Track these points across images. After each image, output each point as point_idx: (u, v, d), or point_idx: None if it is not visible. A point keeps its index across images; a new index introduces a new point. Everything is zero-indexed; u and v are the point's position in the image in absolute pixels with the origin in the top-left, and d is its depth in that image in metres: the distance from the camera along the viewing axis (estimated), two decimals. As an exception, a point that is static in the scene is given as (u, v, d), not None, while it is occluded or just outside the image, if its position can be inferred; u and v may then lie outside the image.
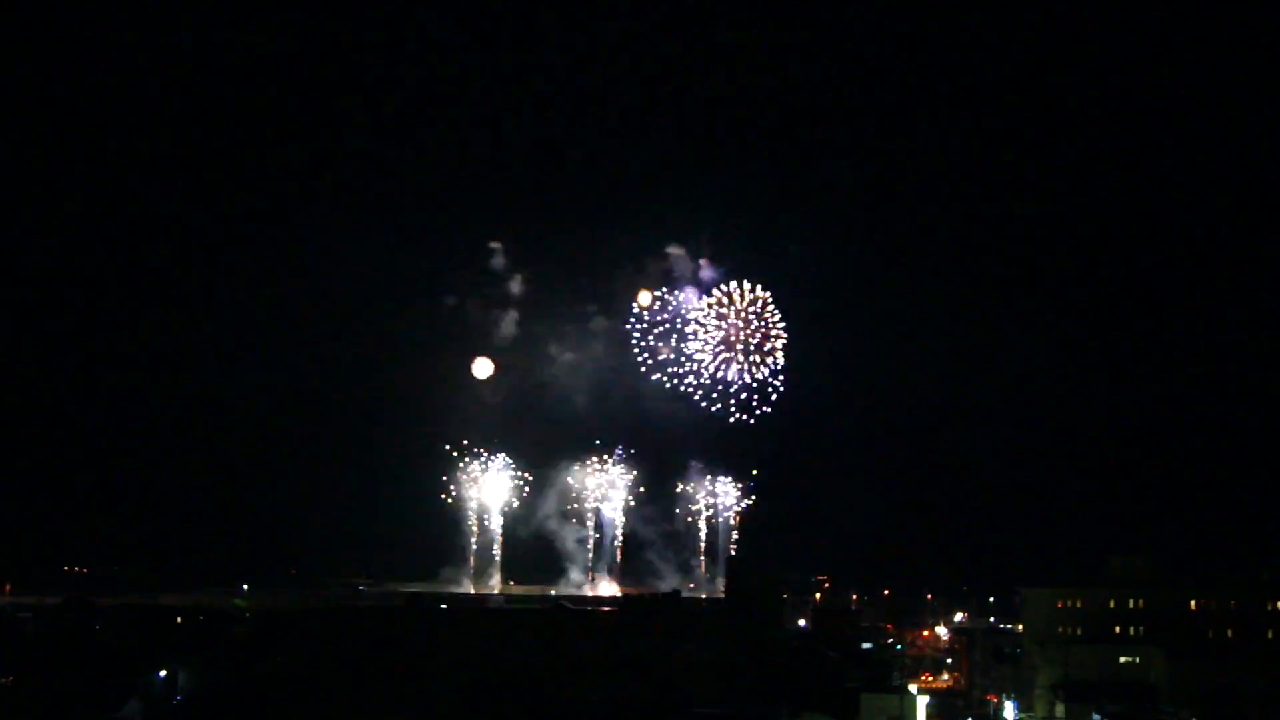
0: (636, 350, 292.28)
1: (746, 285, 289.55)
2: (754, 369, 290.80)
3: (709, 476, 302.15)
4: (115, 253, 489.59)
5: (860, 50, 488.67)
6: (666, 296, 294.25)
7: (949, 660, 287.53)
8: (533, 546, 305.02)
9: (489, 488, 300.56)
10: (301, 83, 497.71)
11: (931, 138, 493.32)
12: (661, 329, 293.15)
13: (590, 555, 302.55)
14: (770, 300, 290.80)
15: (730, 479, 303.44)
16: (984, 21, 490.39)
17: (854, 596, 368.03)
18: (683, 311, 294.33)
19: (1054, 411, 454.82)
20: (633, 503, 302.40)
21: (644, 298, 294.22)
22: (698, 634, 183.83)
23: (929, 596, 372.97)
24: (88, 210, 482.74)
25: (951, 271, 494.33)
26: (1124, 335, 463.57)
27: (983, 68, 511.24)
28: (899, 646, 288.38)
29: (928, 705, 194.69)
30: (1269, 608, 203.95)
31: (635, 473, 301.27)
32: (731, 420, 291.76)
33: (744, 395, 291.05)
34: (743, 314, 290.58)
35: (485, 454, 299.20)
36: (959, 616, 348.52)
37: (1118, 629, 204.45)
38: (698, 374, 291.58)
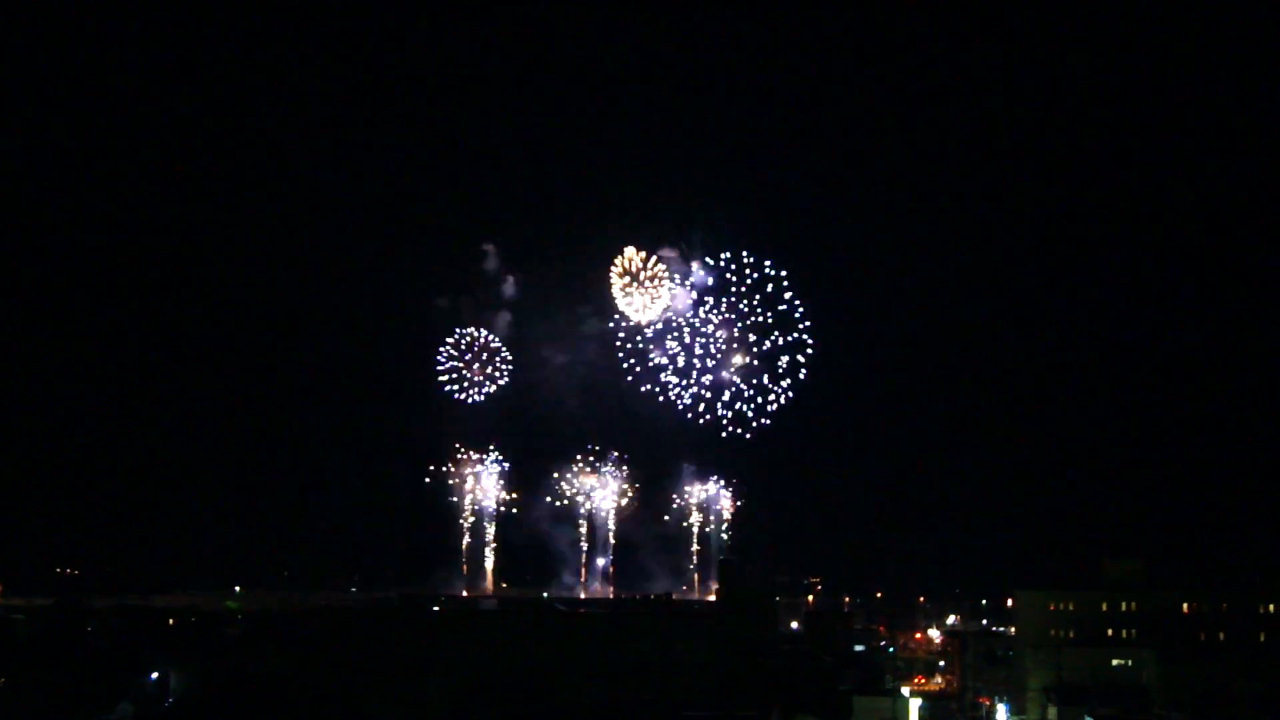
0: (624, 357, 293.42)
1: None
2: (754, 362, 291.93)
3: (701, 480, 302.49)
4: (110, 253, 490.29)
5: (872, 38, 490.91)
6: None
7: (941, 663, 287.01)
8: (525, 549, 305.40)
9: (482, 490, 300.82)
10: (297, 84, 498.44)
11: (928, 137, 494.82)
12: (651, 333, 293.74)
13: (583, 558, 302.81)
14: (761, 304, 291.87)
15: (723, 481, 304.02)
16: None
17: (846, 599, 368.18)
18: (676, 317, 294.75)
19: (1047, 414, 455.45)
20: (625, 505, 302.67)
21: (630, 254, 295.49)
22: (690, 637, 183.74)
23: (921, 599, 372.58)
24: (82, 212, 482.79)
25: (944, 275, 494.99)
26: (1117, 338, 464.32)
27: (989, 63, 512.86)
28: (891, 649, 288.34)
29: (920, 708, 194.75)
30: (1261, 610, 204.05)
31: (628, 475, 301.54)
32: (724, 434, 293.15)
33: (739, 402, 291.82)
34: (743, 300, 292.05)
35: (478, 456, 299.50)
36: (951, 619, 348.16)
37: (1110, 632, 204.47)
38: (689, 381, 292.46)
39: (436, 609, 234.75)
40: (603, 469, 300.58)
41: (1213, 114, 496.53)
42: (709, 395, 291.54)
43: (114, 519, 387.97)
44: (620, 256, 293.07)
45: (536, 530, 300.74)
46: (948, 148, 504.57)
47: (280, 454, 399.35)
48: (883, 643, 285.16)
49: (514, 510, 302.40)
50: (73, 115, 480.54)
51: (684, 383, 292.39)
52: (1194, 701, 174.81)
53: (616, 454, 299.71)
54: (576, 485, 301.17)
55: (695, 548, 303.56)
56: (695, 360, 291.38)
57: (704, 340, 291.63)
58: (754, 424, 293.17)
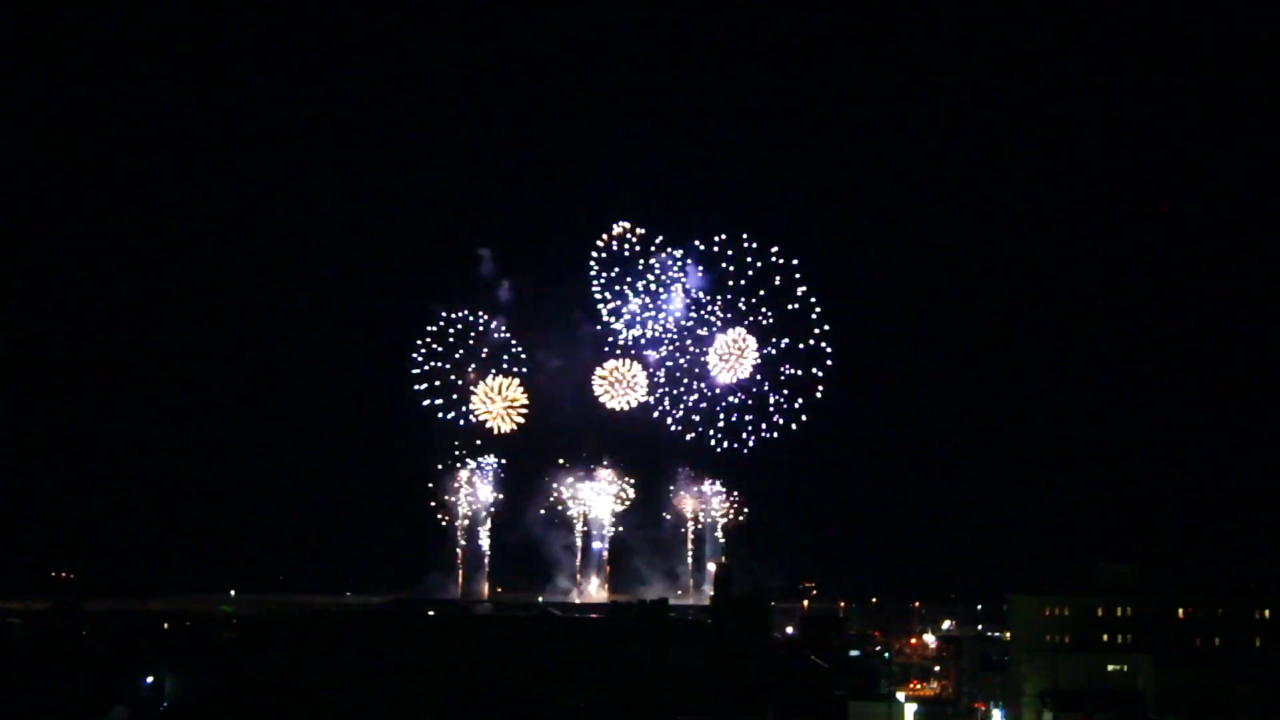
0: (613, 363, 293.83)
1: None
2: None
3: (696, 485, 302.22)
4: (107, 256, 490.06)
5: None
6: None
7: (937, 668, 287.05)
8: (520, 553, 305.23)
9: (478, 494, 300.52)
10: (290, 86, 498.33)
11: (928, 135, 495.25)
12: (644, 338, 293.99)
13: (578, 562, 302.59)
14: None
15: (719, 484, 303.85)
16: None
17: (841, 604, 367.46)
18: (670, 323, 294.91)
19: (1042, 419, 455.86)
20: (620, 510, 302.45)
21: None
22: (685, 642, 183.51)
23: (916, 604, 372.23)
24: (75, 214, 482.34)
25: (938, 279, 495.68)
26: (1112, 343, 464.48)
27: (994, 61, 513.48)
28: (886, 654, 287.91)
29: (915, 713, 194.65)
30: (1256, 615, 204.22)
31: (623, 480, 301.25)
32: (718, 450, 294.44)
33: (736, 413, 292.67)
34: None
35: (473, 461, 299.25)
36: (947, 624, 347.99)
37: (1105, 637, 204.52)
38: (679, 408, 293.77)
39: (431, 613, 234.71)
40: (598, 473, 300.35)
41: (1216, 118, 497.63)
42: (700, 414, 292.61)
43: (109, 523, 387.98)
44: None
45: (531, 535, 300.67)
46: (940, 149, 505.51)
47: (275, 459, 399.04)
48: (878, 648, 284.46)
49: (508, 514, 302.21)
50: (58, 116, 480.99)
51: (674, 411, 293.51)
52: (1189, 707, 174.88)
53: (612, 458, 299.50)
54: (572, 490, 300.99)
55: (690, 552, 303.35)
56: (684, 380, 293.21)
57: (698, 353, 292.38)
58: (750, 440, 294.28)
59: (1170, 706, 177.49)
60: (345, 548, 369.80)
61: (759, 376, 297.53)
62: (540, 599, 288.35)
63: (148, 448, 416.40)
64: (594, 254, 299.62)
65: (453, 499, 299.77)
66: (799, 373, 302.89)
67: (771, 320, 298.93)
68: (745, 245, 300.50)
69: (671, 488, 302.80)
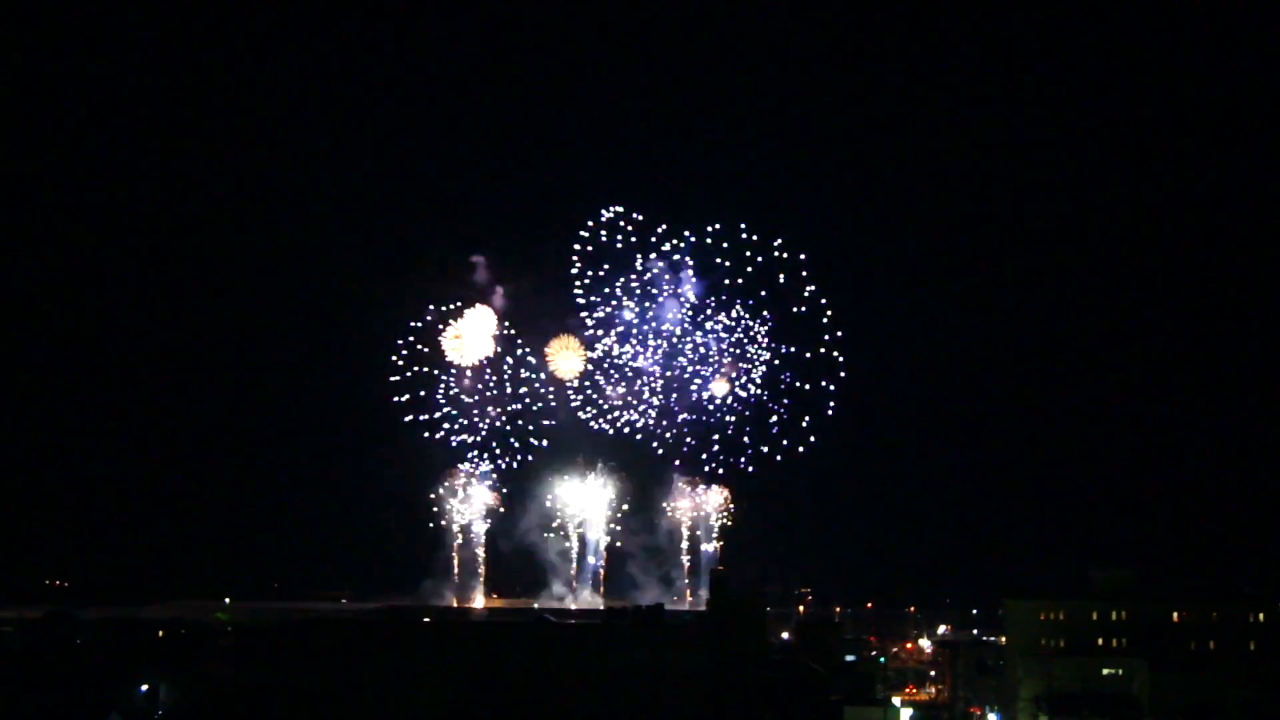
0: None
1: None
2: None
3: (691, 489, 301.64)
4: (103, 258, 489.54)
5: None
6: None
7: (932, 673, 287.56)
8: (515, 559, 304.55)
9: (471, 500, 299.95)
10: (282, 90, 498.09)
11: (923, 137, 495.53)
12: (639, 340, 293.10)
13: (573, 568, 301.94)
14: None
15: (714, 489, 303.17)
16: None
17: (837, 609, 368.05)
18: (663, 326, 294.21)
19: (1036, 424, 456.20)
20: (615, 515, 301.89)
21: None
22: (681, 647, 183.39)
23: (912, 609, 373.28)
24: (67, 218, 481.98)
25: (934, 284, 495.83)
26: (1105, 348, 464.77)
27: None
28: (882, 659, 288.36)
29: (911, 718, 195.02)
30: (1250, 619, 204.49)
31: (618, 485, 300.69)
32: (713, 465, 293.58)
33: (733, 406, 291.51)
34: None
35: (467, 466, 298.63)
36: (942, 629, 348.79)
37: (1100, 641, 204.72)
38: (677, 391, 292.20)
39: (426, 620, 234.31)
40: (593, 478, 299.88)
41: (1216, 118, 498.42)
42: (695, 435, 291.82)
43: (104, 531, 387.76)
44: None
45: (526, 541, 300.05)
46: (946, 142, 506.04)
47: (270, 466, 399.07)
48: (874, 653, 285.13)
49: (503, 520, 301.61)
50: (42, 114, 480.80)
51: (665, 424, 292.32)
52: (1184, 711, 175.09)
53: (607, 463, 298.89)
54: (567, 495, 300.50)
55: (685, 558, 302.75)
56: (676, 388, 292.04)
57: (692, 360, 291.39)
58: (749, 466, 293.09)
59: (1165, 710, 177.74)
60: (340, 555, 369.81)
61: (761, 392, 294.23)
62: (535, 605, 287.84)
63: (142, 455, 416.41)
64: (577, 247, 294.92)
65: (447, 505, 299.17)
66: (807, 386, 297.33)
67: (773, 325, 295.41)
68: (745, 239, 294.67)
69: (667, 499, 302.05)
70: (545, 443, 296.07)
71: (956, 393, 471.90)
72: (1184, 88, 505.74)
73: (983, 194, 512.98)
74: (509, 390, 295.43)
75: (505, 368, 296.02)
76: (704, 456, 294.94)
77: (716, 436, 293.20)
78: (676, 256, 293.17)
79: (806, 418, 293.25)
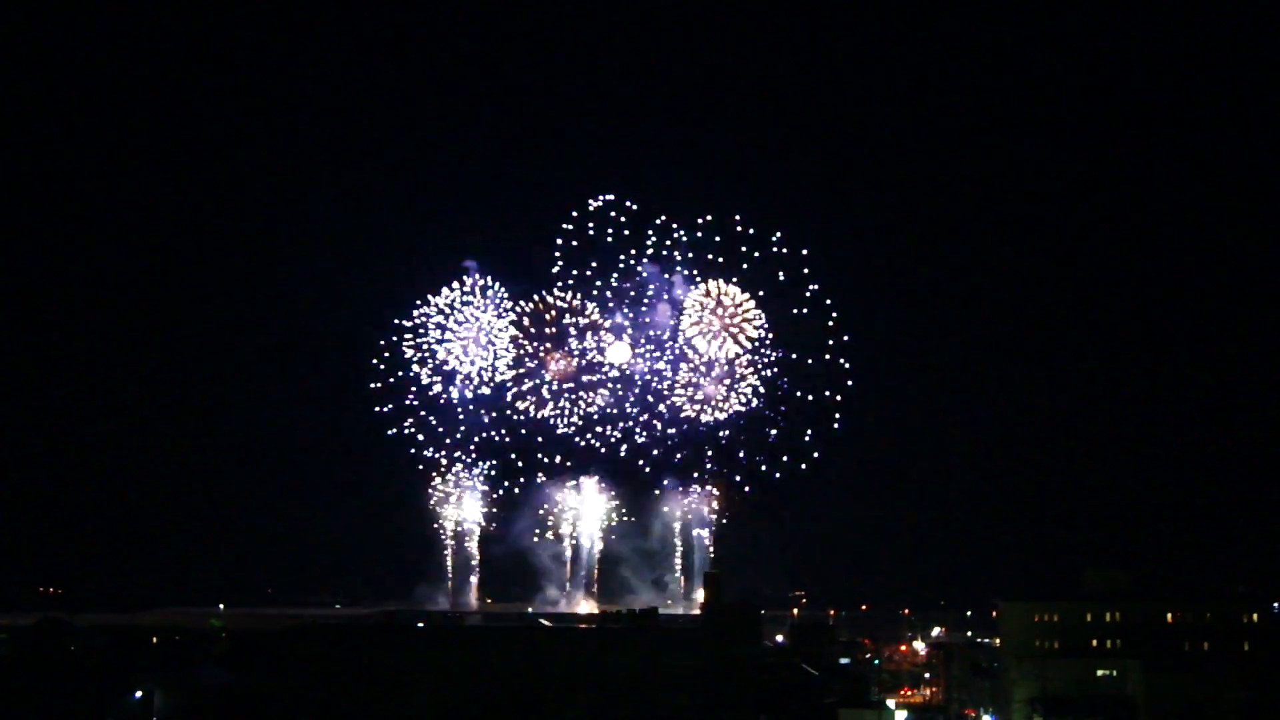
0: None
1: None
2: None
3: (685, 493, 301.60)
4: (98, 262, 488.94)
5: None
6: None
7: (927, 675, 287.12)
8: (509, 564, 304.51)
9: (465, 505, 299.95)
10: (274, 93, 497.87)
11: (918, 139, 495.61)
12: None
13: (567, 572, 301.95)
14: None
15: (707, 493, 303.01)
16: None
17: (831, 612, 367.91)
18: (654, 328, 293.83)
19: (1030, 427, 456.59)
20: (609, 519, 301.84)
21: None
22: (675, 651, 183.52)
23: (906, 611, 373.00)
24: (60, 223, 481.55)
25: (930, 287, 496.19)
26: (1101, 351, 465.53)
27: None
28: (876, 661, 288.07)
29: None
30: (1245, 620, 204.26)
31: (612, 489, 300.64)
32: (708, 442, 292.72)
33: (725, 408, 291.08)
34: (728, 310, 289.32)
35: (462, 472, 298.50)
36: (936, 631, 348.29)
37: (1095, 642, 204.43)
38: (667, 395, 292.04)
39: (421, 625, 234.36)
40: (586, 482, 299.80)
41: (1216, 118, 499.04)
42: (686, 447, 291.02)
43: (98, 538, 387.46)
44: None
45: (520, 545, 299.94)
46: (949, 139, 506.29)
47: (264, 472, 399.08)
48: (868, 655, 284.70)
49: (496, 525, 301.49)
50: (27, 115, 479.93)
51: (656, 430, 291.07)
52: (1179, 712, 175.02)
53: (600, 467, 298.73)
54: (560, 499, 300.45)
55: (679, 561, 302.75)
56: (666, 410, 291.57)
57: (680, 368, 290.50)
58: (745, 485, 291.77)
59: (1160, 711, 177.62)
60: (334, 560, 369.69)
61: (759, 403, 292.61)
62: (530, 609, 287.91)
63: (136, 462, 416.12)
64: (560, 241, 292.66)
65: (441, 510, 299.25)
66: (810, 397, 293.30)
67: (769, 331, 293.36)
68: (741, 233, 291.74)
69: (660, 503, 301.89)
70: (539, 441, 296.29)
71: (950, 395, 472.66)
72: (1187, 88, 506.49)
73: (976, 194, 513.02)
74: (504, 394, 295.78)
75: (501, 368, 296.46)
76: (695, 473, 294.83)
77: (710, 452, 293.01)
78: (665, 253, 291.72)
79: (809, 432, 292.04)
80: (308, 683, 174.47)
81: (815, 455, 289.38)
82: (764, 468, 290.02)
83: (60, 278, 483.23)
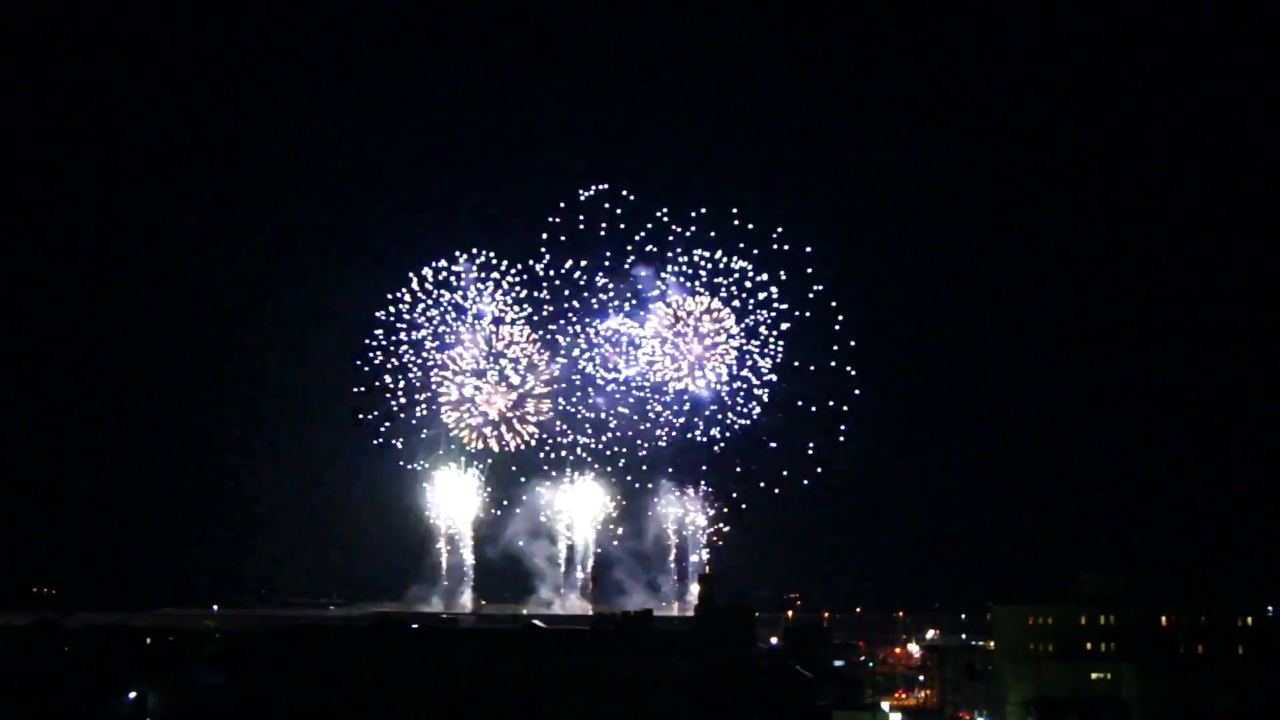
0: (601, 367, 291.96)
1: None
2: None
3: (680, 494, 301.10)
4: (95, 264, 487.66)
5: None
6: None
7: (921, 677, 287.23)
8: (503, 565, 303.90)
9: (459, 505, 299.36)
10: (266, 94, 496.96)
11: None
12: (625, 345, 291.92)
13: (561, 573, 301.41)
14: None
15: (702, 495, 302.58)
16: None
17: (825, 614, 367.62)
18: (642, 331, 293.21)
19: (1024, 429, 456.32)
20: (603, 520, 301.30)
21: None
22: (669, 653, 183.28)
23: (900, 614, 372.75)
24: (54, 225, 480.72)
25: (926, 289, 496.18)
26: (1094, 353, 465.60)
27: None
28: (871, 664, 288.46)
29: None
30: (1239, 623, 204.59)
31: (607, 489, 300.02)
32: (701, 438, 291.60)
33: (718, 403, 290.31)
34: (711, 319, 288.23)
35: (456, 472, 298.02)
36: (931, 634, 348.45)
37: (1089, 645, 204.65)
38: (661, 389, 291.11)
39: (414, 626, 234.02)
40: (582, 483, 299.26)
41: (1217, 118, 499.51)
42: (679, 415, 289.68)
43: (91, 539, 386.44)
44: None
45: (513, 547, 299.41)
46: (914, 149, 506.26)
47: (257, 472, 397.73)
48: (862, 658, 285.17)
49: (491, 526, 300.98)
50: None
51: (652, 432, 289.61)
52: (1173, 714, 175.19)
53: (595, 468, 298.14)
54: (555, 500, 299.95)
55: (674, 563, 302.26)
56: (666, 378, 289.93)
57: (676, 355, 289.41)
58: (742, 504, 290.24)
59: (1154, 714, 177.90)
60: (327, 561, 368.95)
61: (753, 406, 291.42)
62: (524, 611, 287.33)
63: (129, 461, 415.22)
64: (545, 235, 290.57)
65: (434, 511, 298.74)
66: (814, 408, 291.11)
67: (772, 338, 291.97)
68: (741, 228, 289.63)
69: (654, 504, 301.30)
70: (533, 442, 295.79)
71: (944, 398, 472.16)
72: (1194, 89, 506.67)
73: (956, 201, 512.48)
74: (498, 392, 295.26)
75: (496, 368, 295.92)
76: (690, 484, 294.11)
77: (705, 467, 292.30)
78: (659, 247, 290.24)
79: (811, 445, 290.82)
80: (301, 684, 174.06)
81: (819, 470, 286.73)
82: (762, 484, 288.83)
83: (43, 276, 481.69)
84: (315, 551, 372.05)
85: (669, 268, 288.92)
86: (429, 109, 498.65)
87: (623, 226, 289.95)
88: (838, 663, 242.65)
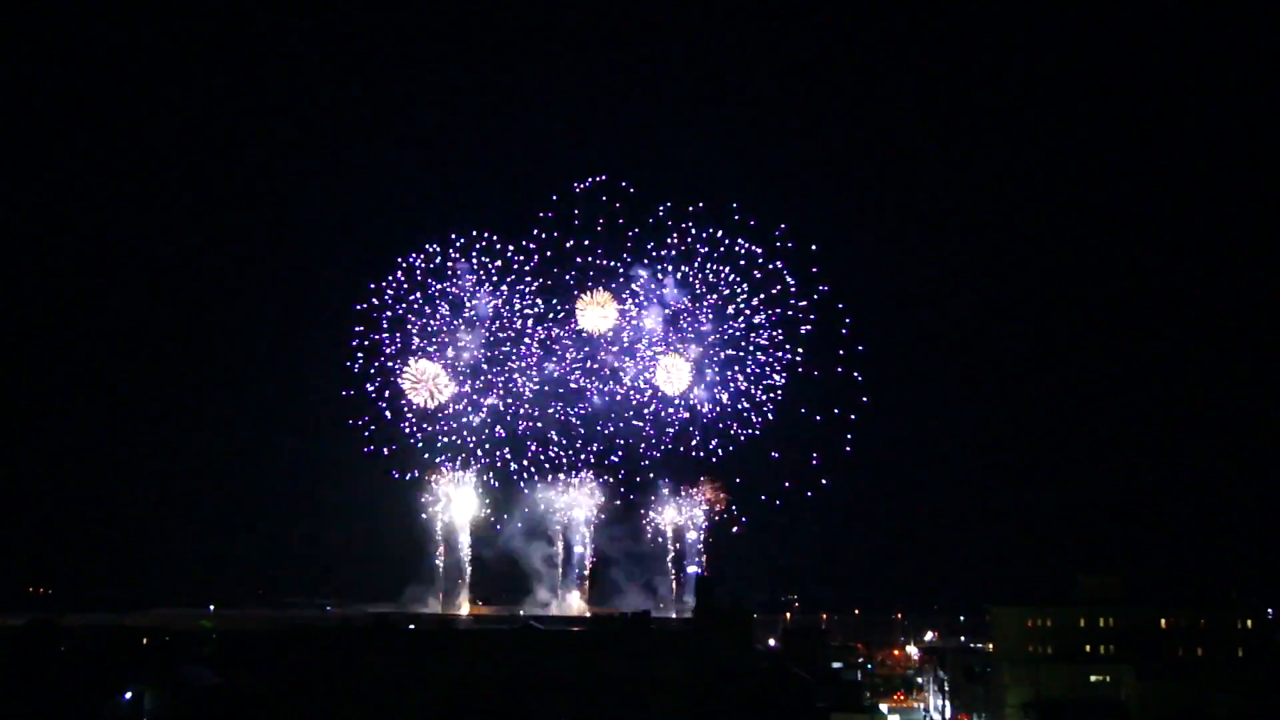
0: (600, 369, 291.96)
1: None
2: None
3: (678, 495, 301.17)
4: (93, 265, 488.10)
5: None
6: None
7: (919, 680, 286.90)
8: (500, 566, 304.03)
9: (456, 507, 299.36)
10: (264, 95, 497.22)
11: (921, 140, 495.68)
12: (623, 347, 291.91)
13: (559, 574, 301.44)
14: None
15: (700, 495, 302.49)
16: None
17: (824, 616, 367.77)
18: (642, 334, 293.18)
19: (1023, 432, 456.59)
20: (601, 522, 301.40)
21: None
22: (667, 655, 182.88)
23: (899, 616, 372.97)
24: (52, 226, 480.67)
25: (922, 291, 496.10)
26: (1093, 355, 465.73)
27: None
28: (869, 666, 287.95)
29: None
30: (1238, 626, 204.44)
31: (604, 491, 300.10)
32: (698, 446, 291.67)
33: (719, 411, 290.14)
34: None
35: (453, 473, 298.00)
36: (929, 636, 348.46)
37: (1088, 648, 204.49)
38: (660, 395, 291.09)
39: (411, 627, 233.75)
40: (578, 485, 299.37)
41: (1217, 118, 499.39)
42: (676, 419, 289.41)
43: (88, 539, 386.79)
44: None
45: (511, 547, 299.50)
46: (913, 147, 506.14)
47: (254, 473, 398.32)
48: (860, 660, 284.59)
49: (488, 526, 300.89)
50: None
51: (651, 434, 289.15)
52: (1172, 717, 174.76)
53: (592, 470, 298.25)
54: (552, 502, 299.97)
55: (671, 565, 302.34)
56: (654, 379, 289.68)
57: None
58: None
59: (1153, 717, 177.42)
60: (323, 561, 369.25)
61: (755, 418, 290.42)
62: (521, 612, 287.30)
63: (125, 463, 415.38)
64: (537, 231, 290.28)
65: (431, 512, 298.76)
66: (819, 417, 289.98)
67: (777, 342, 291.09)
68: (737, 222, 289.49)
69: (652, 506, 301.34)
70: (532, 445, 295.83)
71: (942, 401, 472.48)
72: (1197, 90, 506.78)
73: (951, 200, 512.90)
74: (496, 392, 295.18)
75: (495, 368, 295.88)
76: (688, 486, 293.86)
77: (703, 478, 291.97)
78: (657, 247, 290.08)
79: (815, 456, 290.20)
80: (297, 684, 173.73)
81: (824, 482, 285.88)
82: (763, 497, 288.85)
83: (42, 277, 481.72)
84: (311, 552, 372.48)
85: (668, 268, 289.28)
86: (428, 109, 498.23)
87: (620, 222, 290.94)
88: (836, 665, 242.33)
